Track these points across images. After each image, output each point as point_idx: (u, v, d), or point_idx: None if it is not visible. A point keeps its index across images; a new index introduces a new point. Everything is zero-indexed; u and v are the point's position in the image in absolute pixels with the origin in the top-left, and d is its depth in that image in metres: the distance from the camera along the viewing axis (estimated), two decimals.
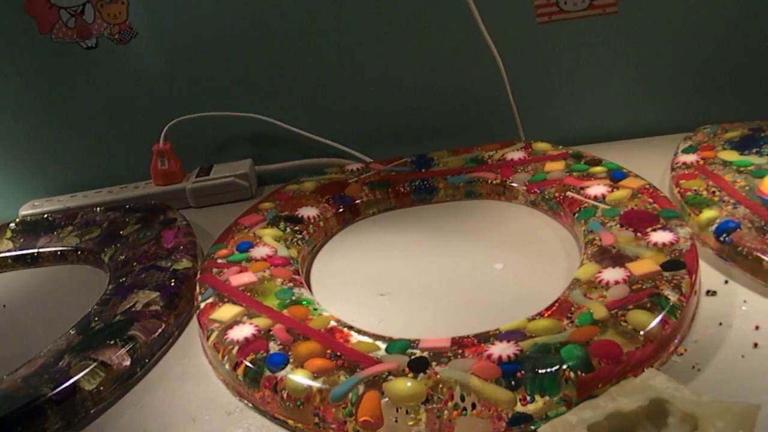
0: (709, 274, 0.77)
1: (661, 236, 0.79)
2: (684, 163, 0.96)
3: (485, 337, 0.67)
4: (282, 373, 0.67)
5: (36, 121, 1.23)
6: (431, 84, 1.18)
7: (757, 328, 0.69)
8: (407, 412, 0.61)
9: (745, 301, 0.73)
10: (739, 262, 0.78)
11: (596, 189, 0.91)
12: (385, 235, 0.97)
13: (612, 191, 0.90)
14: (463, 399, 0.60)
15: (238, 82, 1.19)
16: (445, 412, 0.60)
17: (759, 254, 0.75)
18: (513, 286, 0.81)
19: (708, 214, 0.84)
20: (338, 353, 0.68)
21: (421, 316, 0.79)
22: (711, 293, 0.75)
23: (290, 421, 0.66)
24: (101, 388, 0.74)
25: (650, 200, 0.86)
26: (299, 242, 0.92)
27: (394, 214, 1.03)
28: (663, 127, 1.15)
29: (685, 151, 0.99)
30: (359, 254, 0.94)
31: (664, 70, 1.15)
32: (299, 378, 0.66)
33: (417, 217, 1.01)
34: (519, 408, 0.60)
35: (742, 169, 0.92)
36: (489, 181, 1.01)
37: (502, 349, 0.64)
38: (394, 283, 0.85)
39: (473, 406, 0.60)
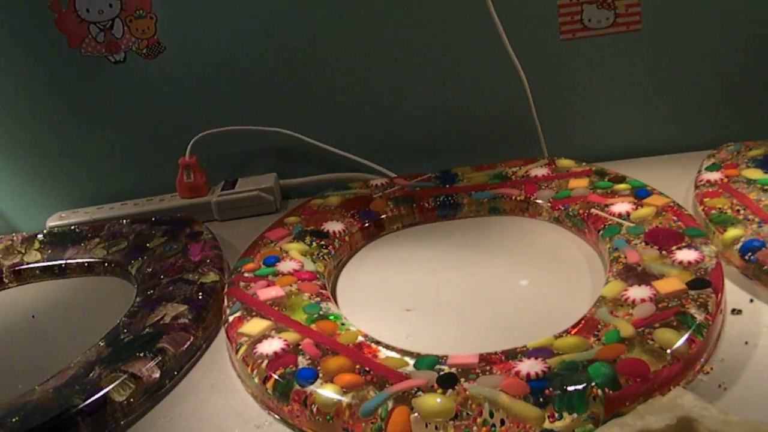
0: (734, 293, 0.78)
1: (686, 254, 0.79)
2: (708, 181, 0.96)
3: (513, 354, 0.68)
4: (311, 387, 0.67)
5: (64, 133, 1.25)
6: (455, 100, 1.19)
7: None
8: (436, 428, 0.61)
9: None
10: (764, 280, 0.78)
11: (621, 206, 0.91)
12: (409, 250, 0.98)
13: (636, 209, 0.90)
14: (491, 415, 0.61)
15: (263, 96, 1.20)
16: (474, 428, 0.61)
17: None
18: (538, 303, 0.82)
19: (733, 232, 0.84)
20: (367, 368, 0.68)
21: (448, 332, 0.79)
22: (736, 312, 0.75)
23: None
24: (131, 399, 0.74)
25: (675, 218, 0.87)
26: (325, 257, 0.93)
27: (418, 230, 1.04)
28: (686, 144, 1.16)
29: (709, 168, 1.00)
30: (384, 269, 0.95)
31: (686, 87, 1.15)
32: (329, 392, 0.66)
33: (441, 233, 1.01)
34: (547, 425, 0.60)
35: (766, 187, 0.92)
36: (513, 198, 1.01)
37: (530, 366, 0.65)
38: (419, 299, 0.86)
39: (502, 422, 0.61)
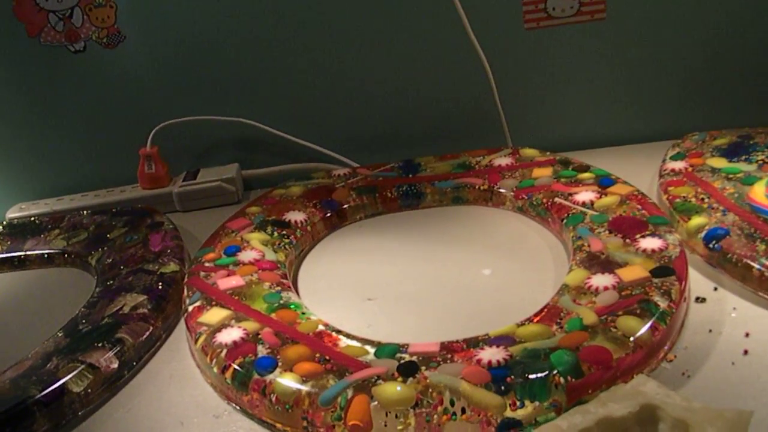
0: (698, 281, 0.78)
1: (650, 242, 0.79)
2: (672, 170, 0.96)
3: (474, 342, 0.67)
4: (271, 376, 0.67)
5: (23, 123, 1.23)
6: (418, 89, 1.18)
7: (747, 335, 0.69)
8: (396, 416, 0.61)
9: (734, 308, 0.73)
10: (728, 269, 0.78)
11: (584, 195, 0.91)
12: (372, 240, 0.98)
13: (600, 197, 0.90)
14: (452, 404, 0.60)
15: (225, 86, 1.19)
16: (435, 416, 0.60)
17: (749, 261, 0.76)
18: (501, 293, 0.81)
19: (697, 220, 0.84)
20: (327, 357, 0.68)
21: (409, 321, 0.79)
22: (700, 300, 0.75)
23: (278, 425, 0.66)
24: (89, 390, 0.73)
25: (639, 207, 0.87)
26: (287, 246, 0.92)
27: (381, 219, 1.03)
28: (650, 134, 1.16)
29: (673, 158, 1.00)
30: (346, 259, 0.94)
31: (651, 77, 1.15)
32: (288, 381, 0.66)
33: (404, 223, 1.01)
34: (509, 413, 0.60)
35: (731, 176, 0.92)
36: (477, 187, 1.01)
37: (491, 354, 0.64)
38: (381, 288, 0.85)
39: (462, 410, 0.60)
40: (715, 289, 0.77)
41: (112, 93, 1.20)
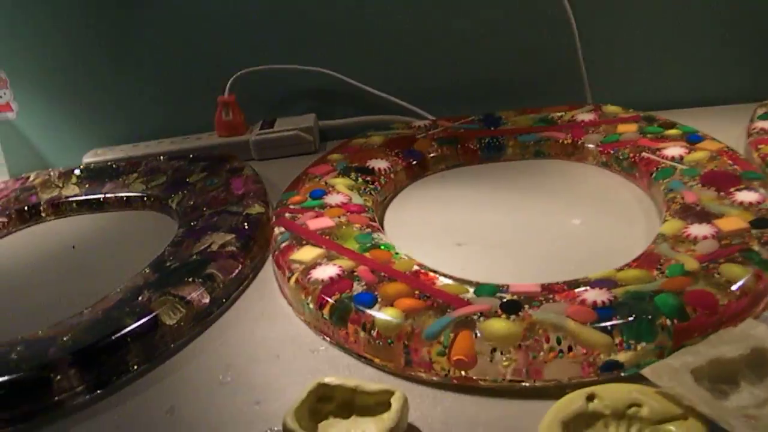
0: None
1: (746, 196, 0.78)
2: (762, 129, 0.95)
3: (575, 284, 0.67)
4: (371, 311, 0.66)
5: (99, 69, 1.24)
6: (499, 41, 1.17)
7: None
8: (502, 353, 0.60)
9: None
10: None
11: (673, 150, 0.90)
12: (455, 190, 0.98)
13: (689, 153, 0.88)
14: (559, 342, 0.60)
15: (304, 35, 1.19)
16: (541, 354, 0.59)
17: None
18: (594, 241, 0.81)
19: None
20: (427, 294, 0.67)
21: (504, 264, 0.78)
22: None
23: (377, 360, 0.66)
24: (181, 323, 0.74)
25: (730, 162, 0.85)
26: (372, 192, 0.91)
27: (463, 171, 1.03)
28: (736, 96, 1.14)
29: (761, 117, 0.98)
30: (431, 208, 0.94)
31: (739, 38, 1.13)
32: (389, 317, 0.65)
33: (487, 175, 1.01)
34: (614, 354, 0.59)
35: None
36: (560, 141, 1.00)
37: (595, 295, 0.64)
38: (470, 235, 0.85)
39: (569, 349, 0.59)
40: None
41: (191, 39, 1.20)
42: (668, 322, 0.60)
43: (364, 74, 1.19)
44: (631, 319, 0.61)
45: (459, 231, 0.86)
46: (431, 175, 1.02)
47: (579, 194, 0.91)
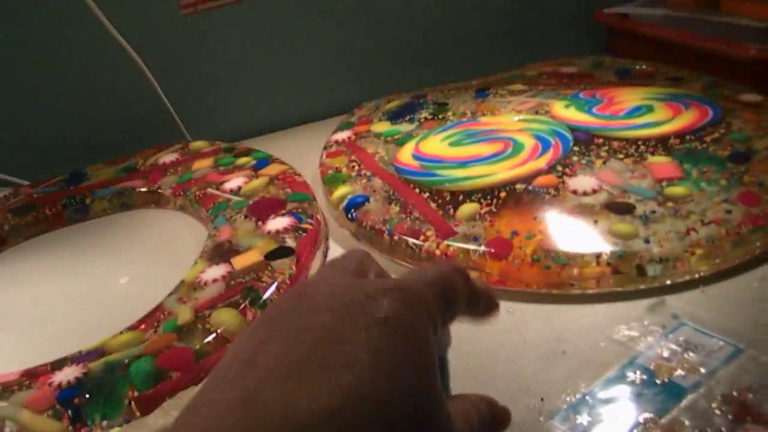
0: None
1: (279, 222, 0.73)
2: (336, 141, 0.92)
3: (61, 363, 0.60)
4: None
5: None
6: (77, 99, 1.08)
7: None
8: None
9: None
10: (367, 237, 0.76)
11: (234, 182, 0.86)
12: (27, 264, 0.91)
13: (249, 181, 0.83)
14: None
15: None
16: None
17: (380, 226, 0.71)
18: (133, 300, 0.74)
19: (341, 190, 0.80)
20: None
21: (31, 346, 0.72)
22: None
23: None
24: None
25: (285, 185, 0.80)
26: None
27: (42, 239, 0.95)
28: (334, 109, 1.12)
29: (343, 127, 0.96)
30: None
31: (324, 50, 1.12)
32: None
33: (66, 239, 0.93)
34: None
35: (389, 138, 0.88)
36: (138, 189, 0.93)
37: (65, 375, 0.57)
38: (14, 315, 0.79)
39: None
40: None
41: None
42: (136, 392, 0.53)
43: None
44: (93, 396, 0.54)
45: (5, 313, 0.80)
46: (9, 249, 0.92)
47: (143, 246, 0.85)
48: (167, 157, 0.97)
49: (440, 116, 0.93)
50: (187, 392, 0.54)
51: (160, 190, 0.92)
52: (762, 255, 0.63)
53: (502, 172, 0.77)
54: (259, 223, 0.75)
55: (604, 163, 0.76)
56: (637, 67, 1.01)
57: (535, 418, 0.51)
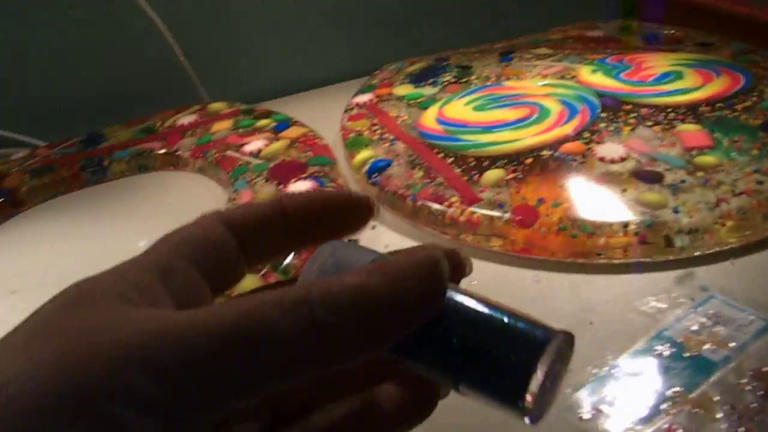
0: None
1: (300, 186, 0.72)
2: (357, 104, 0.90)
3: None
4: None
5: None
6: (101, 61, 1.07)
7: None
8: None
9: (386, 246, 0.66)
10: (387, 202, 0.74)
11: (254, 144, 0.85)
12: (48, 224, 0.89)
13: (269, 144, 0.82)
14: None
15: None
16: None
17: (403, 191, 0.70)
18: None
19: (363, 154, 0.79)
20: None
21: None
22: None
23: None
24: None
25: (307, 148, 0.79)
26: None
27: (61, 200, 0.93)
28: (358, 71, 1.10)
29: (364, 90, 0.94)
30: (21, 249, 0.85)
31: (344, 10, 1.10)
32: None
33: (86, 200, 0.92)
34: None
35: (411, 102, 0.86)
36: (156, 151, 0.91)
37: None
38: (35, 278, 0.77)
39: None
40: (374, 227, 0.70)
41: None
42: None
43: None
44: None
45: (21, 275, 0.78)
46: (26, 211, 0.91)
47: (162, 209, 0.84)
48: (186, 119, 0.96)
49: (464, 80, 0.91)
50: None
51: (178, 152, 0.90)
52: None
53: (528, 137, 0.75)
54: (281, 186, 0.73)
55: (632, 130, 0.74)
56: (665, 31, 0.98)
57: (562, 390, 0.50)
